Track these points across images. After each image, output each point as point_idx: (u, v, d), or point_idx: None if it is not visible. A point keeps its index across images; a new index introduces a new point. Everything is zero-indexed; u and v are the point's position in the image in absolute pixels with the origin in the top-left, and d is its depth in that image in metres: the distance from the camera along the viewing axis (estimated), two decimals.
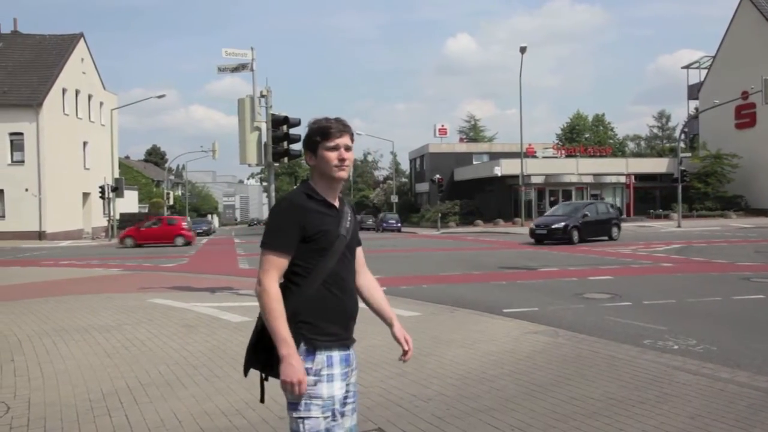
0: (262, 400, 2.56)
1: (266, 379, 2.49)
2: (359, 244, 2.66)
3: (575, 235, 23.64)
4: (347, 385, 2.48)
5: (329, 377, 2.38)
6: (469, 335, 7.07)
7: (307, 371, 2.35)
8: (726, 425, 4.03)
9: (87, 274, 16.86)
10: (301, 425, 2.35)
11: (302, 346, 2.37)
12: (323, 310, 2.41)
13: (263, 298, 2.35)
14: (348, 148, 2.47)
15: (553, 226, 23.98)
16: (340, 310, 2.45)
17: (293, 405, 2.37)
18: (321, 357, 2.38)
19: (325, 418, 2.36)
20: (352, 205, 2.68)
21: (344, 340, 2.46)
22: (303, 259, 2.41)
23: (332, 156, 2.44)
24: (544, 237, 24.08)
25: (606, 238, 24.90)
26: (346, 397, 2.48)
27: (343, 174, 2.47)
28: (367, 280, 2.69)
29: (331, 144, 2.45)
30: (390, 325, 2.69)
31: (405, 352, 2.66)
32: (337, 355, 2.42)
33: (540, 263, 16.08)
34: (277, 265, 2.39)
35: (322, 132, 2.46)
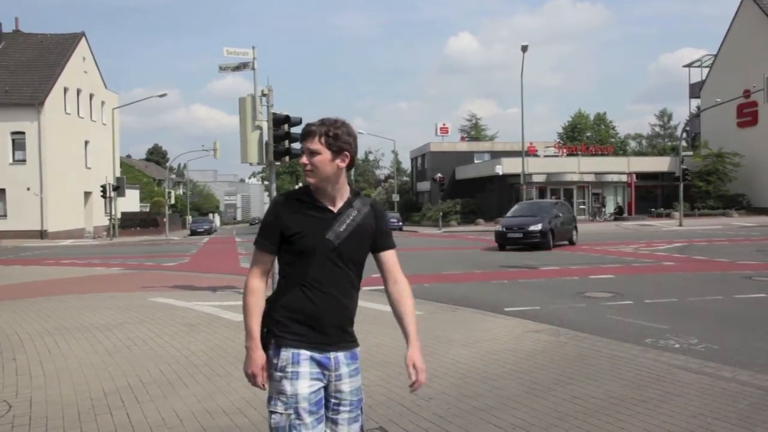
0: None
1: None
2: (386, 248, 2.58)
3: (550, 238, 20.51)
4: (332, 390, 2.45)
5: (294, 375, 2.37)
6: (471, 334, 7.07)
7: (274, 366, 2.40)
8: (728, 424, 4.02)
9: (88, 273, 16.88)
10: (270, 418, 2.41)
11: (273, 342, 2.42)
12: (294, 312, 2.41)
13: (244, 291, 2.47)
14: (311, 153, 2.40)
15: (530, 228, 20.29)
16: (312, 314, 2.40)
17: (268, 397, 2.44)
18: (286, 354, 2.39)
19: (288, 415, 2.35)
20: (376, 207, 2.56)
21: (317, 343, 2.40)
22: (286, 259, 2.46)
23: (301, 161, 2.47)
24: (517, 241, 20.47)
25: (566, 242, 22.02)
26: (336, 404, 2.46)
27: (309, 179, 2.42)
28: (397, 288, 2.59)
29: (300, 148, 2.49)
30: (407, 346, 2.57)
31: (412, 382, 2.53)
32: (306, 354, 2.39)
33: (541, 262, 16.07)
34: (259, 262, 2.48)
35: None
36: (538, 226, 20.31)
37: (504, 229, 21.20)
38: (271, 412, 2.39)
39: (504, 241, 21.01)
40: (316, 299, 2.40)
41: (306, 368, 2.38)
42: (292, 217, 2.41)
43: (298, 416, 2.35)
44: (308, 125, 2.45)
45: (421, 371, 2.53)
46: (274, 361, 2.39)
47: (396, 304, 2.59)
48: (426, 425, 4.19)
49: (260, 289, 2.45)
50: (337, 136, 2.40)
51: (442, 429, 4.12)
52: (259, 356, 2.40)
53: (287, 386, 2.36)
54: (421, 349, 2.58)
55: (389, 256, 2.60)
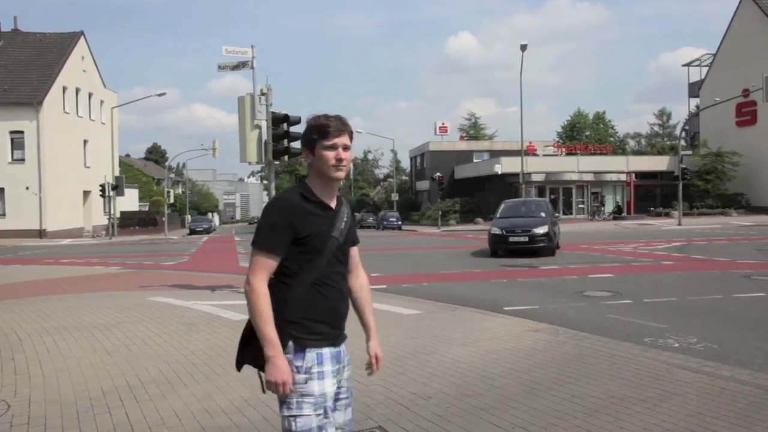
0: (264, 390, 2.55)
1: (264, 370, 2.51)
2: (355, 243, 2.64)
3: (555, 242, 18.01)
4: (339, 381, 2.49)
5: (320, 374, 2.38)
6: (470, 333, 7.07)
7: (298, 369, 2.36)
8: (727, 423, 4.02)
9: (87, 272, 16.87)
10: (293, 423, 2.36)
11: (291, 344, 2.38)
12: (311, 311, 2.41)
13: (251, 297, 2.35)
14: (346, 148, 2.44)
15: (535, 230, 17.39)
16: (328, 311, 2.44)
17: (285, 403, 2.38)
18: (311, 355, 2.39)
19: (317, 415, 2.37)
20: (351, 203, 2.67)
21: (334, 339, 2.46)
22: (293, 260, 2.40)
23: (330, 155, 2.42)
24: (521, 245, 17.39)
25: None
26: (338, 393, 2.49)
27: (341, 174, 2.45)
28: (359, 282, 2.66)
29: (329, 143, 2.42)
30: (368, 337, 2.68)
31: (370, 366, 2.68)
32: (327, 352, 2.42)
33: (540, 261, 16.06)
34: (267, 265, 2.39)
35: (321, 130, 2.43)
36: (544, 228, 17.43)
37: (503, 232, 17.79)
38: (295, 417, 2.35)
39: (503, 246, 17.79)
40: (330, 296, 2.44)
41: (329, 367, 2.42)
42: (304, 219, 2.39)
43: (326, 415, 2.39)
44: (335, 120, 2.45)
45: (381, 360, 2.70)
46: (297, 363, 2.37)
47: (357, 298, 2.67)
48: (425, 424, 4.18)
49: (267, 292, 2.38)
50: (351, 131, 2.52)
51: (442, 428, 4.12)
52: (285, 363, 2.33)
53: (315, 387, 2.37)
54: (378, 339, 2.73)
55: (355, 252, 2.67)
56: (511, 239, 17.57)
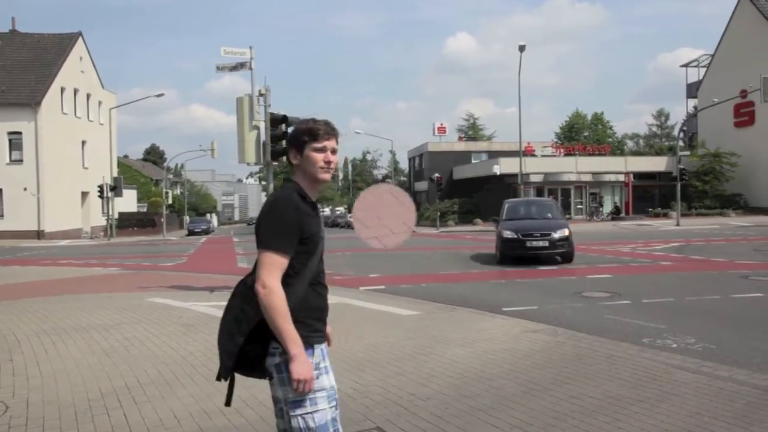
0: (228, 404, 2.56)
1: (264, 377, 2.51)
2: None
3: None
4: None
5: (326, 369, 2.48)
6: (468, 334, 7.07)
7: None
8: (725, 423, 4.03)
9: (86, 273, 16.86)
10: (310, 420, 2.39)
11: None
12: (312, 309, 2.48)
13: (271, 298, 2.33)
14: (334, 151, 2.52)
15: (555, 235, 15.27)
16: (323, 308, 2.54)
17: (297, 403, 2.39)
18: (318, 351, 2.47)
19: (331, 407, 2.44)
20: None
21: (324, 334, 2.56)
22: (296, 260, 2.44)
23: (319, 157, 2.49)
24: (540, 251, 15.25)
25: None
26: None
27: (328, 176, 2.52)
28: None
29: (319, 145, 2.49)
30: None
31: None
32: (324, 347, 2.53)
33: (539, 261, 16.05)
34: (281, 265, 2.40)
35: (311, 133, 2.49)
36: (564, 232, 15.34)
37: (519, 236, 15.30)
38: (312, 413, 2.39)
39: (519, 251, 15.34)
40: (324, 294, 2.55)
41: (328, 361, 2.52)
42: (306, 219, 2.45)
43: (337, 406, 2.48)
44: (324, 124, 2.52)
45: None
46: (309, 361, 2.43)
47: None
48: (424, 425, 4.18)
49: (284, 292, 2.38)
50: (338, 136, 2.59)
51: (440, 429, 4.12)
52: (308, 360, 2.38)
53: (326, 380, 2.46)
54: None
55: None
56: (529, 244, 15.19)
